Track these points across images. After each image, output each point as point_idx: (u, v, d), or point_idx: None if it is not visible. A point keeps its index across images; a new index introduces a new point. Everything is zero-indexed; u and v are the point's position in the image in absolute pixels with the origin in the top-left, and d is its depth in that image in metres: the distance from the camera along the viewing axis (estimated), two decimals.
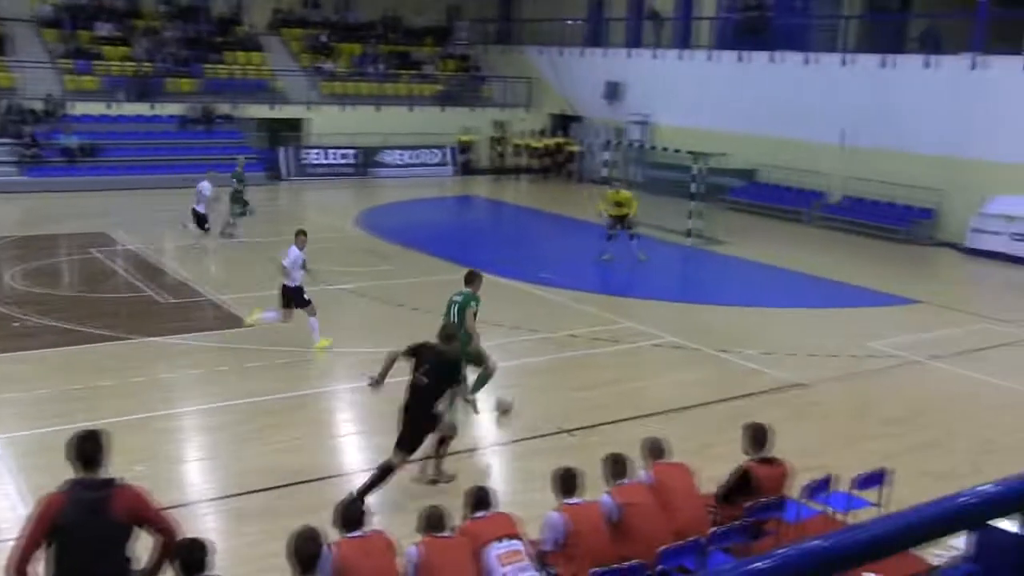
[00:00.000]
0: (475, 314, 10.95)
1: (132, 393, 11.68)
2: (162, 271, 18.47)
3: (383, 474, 8.83)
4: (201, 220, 20.83)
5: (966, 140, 23.87)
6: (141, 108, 30.97)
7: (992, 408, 12.39)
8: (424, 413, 8.89)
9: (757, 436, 7.68)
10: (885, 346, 14.87)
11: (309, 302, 13.78)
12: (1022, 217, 22.23)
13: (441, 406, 9.10)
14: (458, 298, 11.08)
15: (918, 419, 11.87)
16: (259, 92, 33.20)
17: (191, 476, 9.66)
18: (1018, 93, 22.92)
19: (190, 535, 5.67)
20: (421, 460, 9.46)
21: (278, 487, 9.22)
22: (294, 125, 33.30)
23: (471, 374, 10.60)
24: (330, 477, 9.57)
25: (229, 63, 33.98)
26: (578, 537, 6.63)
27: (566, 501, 6.81)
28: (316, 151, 32.76)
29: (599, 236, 21.32)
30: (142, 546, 5.49)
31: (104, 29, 33.48)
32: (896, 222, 25.14)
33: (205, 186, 21.00)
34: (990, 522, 1.95)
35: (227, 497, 9.07)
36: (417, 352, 8.99)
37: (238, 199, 22.08)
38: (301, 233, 14.00)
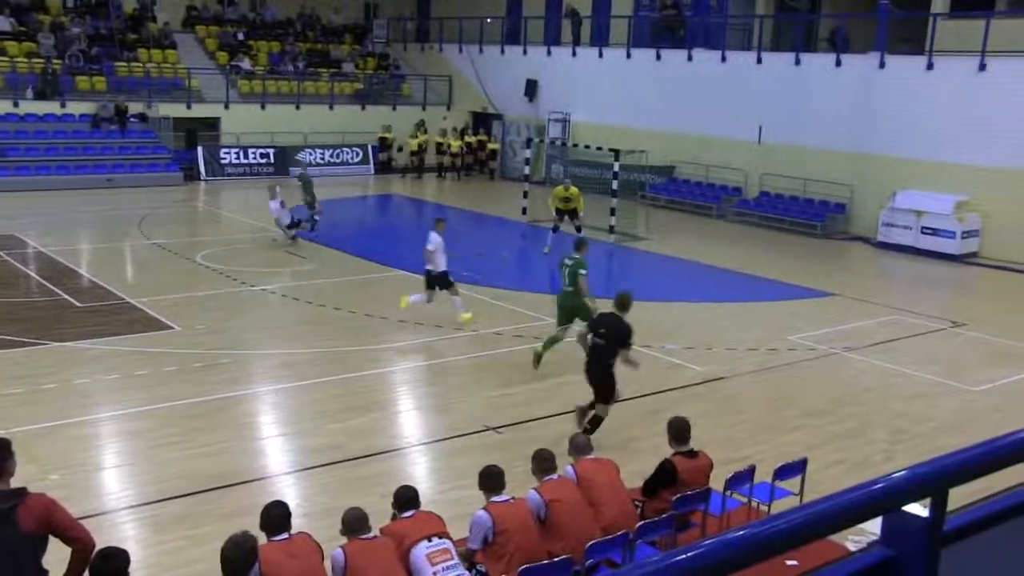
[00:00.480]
0: (585, 276, 12.65)
1: (45, 400, 11.33)
2: (76, 273, 17.97)
3: (594, 427, 10.27)
4: (291, 223, 21.31)
5: (874, 136, 24.60)
6: (51, 107, 30.04)
7: (904, 397, 12.79)
8: (602, 368, 10.33)
9: (678, 430, 7.80)
10: (802, 339, 15.24)
11: (453, 284, 15.03)
12: (929, 212, 23.00)
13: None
14: (569, 262, 12.79)
15: (835, 410, 12.18)
16: (174, 91, 32.49)
17: (108, 484, 9.42)
18: (921, 92, 23.70)
19: (106, 544, 5.53)
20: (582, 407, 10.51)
21: (199, 492, 9.05)
22: (211, 124, 32.67)
23: (578, 325, 12.40)
24: (253, 481, 9.43)
25: (142, 61, 33.17)
26: (506, 535, 6.65)
27: (493, 499, 6.82)
28: (234, 150, 32.18)
29: (521, 234, 21.43)
30: (58, 557, 5.34)
31: (6, 24, 32.36)
32: (810, 217, 25.77)
33: (274, 206, 21.24)
34: (903, 507, 2.02)
35: (146, 504, 8.87)
36: (597, 320, 10.63)
37: (307, 201, 22.28)
38: (441, 221, 14.97)
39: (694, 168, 29.20)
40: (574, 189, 21.52)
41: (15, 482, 5.43)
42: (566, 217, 21.31)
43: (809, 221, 25.58)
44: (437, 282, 14.94)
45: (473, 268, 19.14)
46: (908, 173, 23.79)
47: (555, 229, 21.26)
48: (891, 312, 17.34)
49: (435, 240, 14.68)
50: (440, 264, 14.79)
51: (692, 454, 7.73)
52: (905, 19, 26.34)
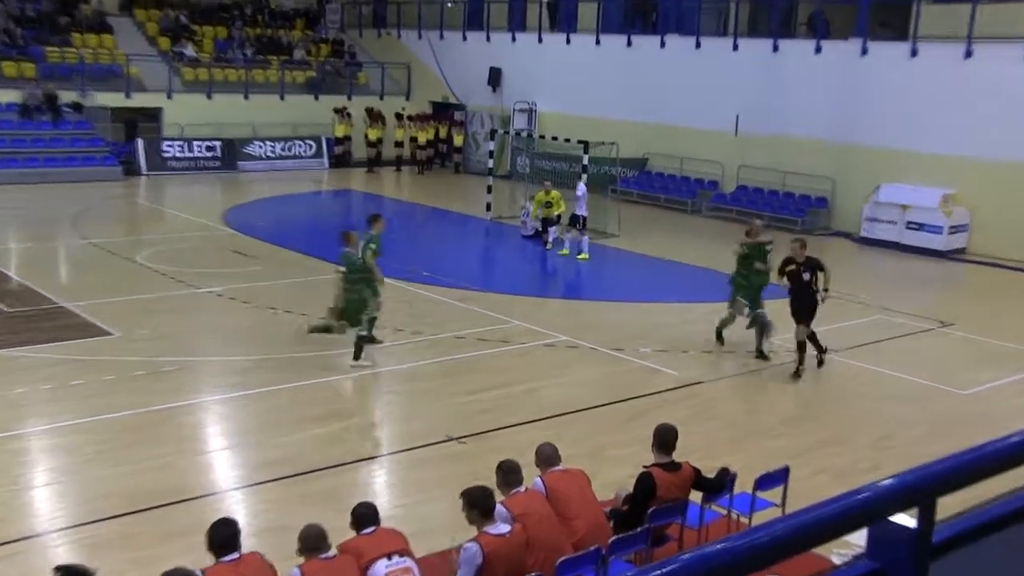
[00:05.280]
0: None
1: None
2: (4, 276, 17.71)
3: (802, 350, 13.33)
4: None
5: (857, 127, 24.86)
6: None
7: (890, 401, 12.92)
8: (808, 297, 13.34)
9: (663, 439, 7.78)
10: (782, 341, 15.33)
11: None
12: (914, 206, 23.25)
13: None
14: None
15: (818, 416, 12.29)
16: (111, 78, 32.09)
17: (39, 504, 9.28)
18: (906, 79, 23.98)
19: (40, 571, 5.44)
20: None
21: (139, 511, 8.94)
22: (152, 115, 32.31)
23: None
24: (199, 498, 9.33)
25: (75, 46, 32.74)
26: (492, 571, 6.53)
27: (486, 529, 6.65)
28: (178, 143, 31.85)
29: (485, 231, 21.39)
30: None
31: None
32: (791, 212, 25.98)
33: (581, 188, 21.45)
34: (889, 518, 2.02)
35: (81, 525, 8.74)
36: (789, 261, 13.51)
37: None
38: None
39: (667, 161, 29.35)
40: (556, 193, 21.76)
41: None
42: (550, 229, 21.63)
43: (789, 216, 25.79)
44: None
45: (436, 268, 19.10)
46: (892, 165, 24.06)
47: (546, 243, 21.66)
48: (875, 312, 17.52)
49: (581, 190, 15.59)
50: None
51: (674, 466, 7.72)
52: (887, 3, 26.63)
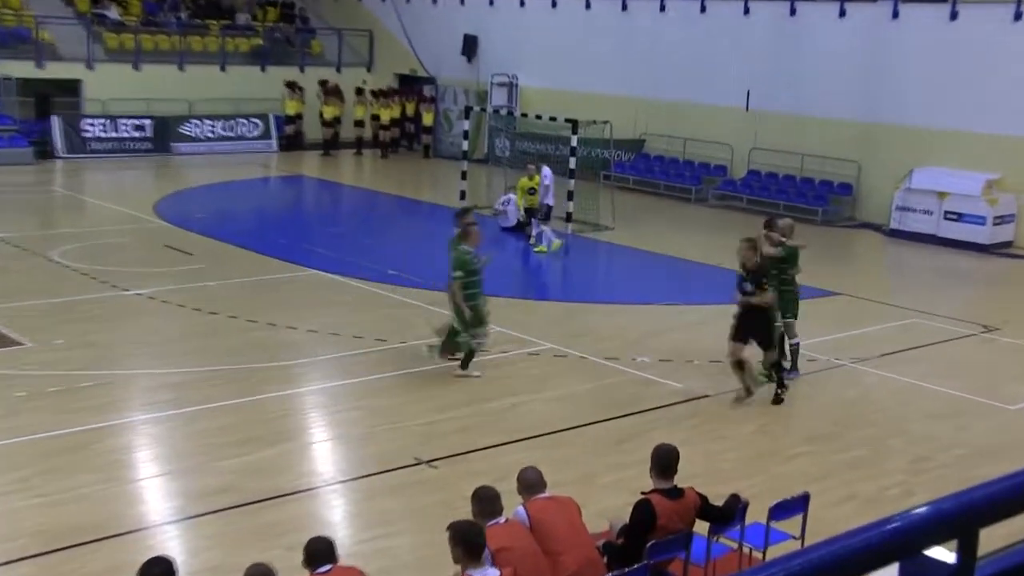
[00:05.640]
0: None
1: None
2: None
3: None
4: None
5: (887, 102, 24.91)
6: None
7: (926, 418, 12.96)
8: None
9: (663, 462, 7.77)
10: (801, 348, 15.37)
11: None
12: (953, 193, 23.31)
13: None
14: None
15: (843, 434, 12.31)
16: (19, 45, 31.84)
17: None
18: (944, 47, 24.07)
19: None
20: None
21: (56, 551, 8.85)
22: (70, 88, 32.15)
23: None
24: (126, 533, 9.26)
25: None
26: None
27: (470, 571, 6.59)
28: (100, 121, 31.70)
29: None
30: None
31: None
32: (810, 201, 26.08)
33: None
34: (924, 552, 2.02)
35: None
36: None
37: None
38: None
39: (668, 142, 29.42)
40: (538, 178, 21.77)
41: None
42: (534, 221, 21.70)
43: (808, 206, 25.90)
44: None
45: (403, 267, 19.07)
46: (928, 146, 24.14)
47: (530, 235, 21.58)
48: (908, 315, 17.59)
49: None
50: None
51: (676, 492, 7.71)
52: None
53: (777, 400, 13.01)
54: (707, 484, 8.53)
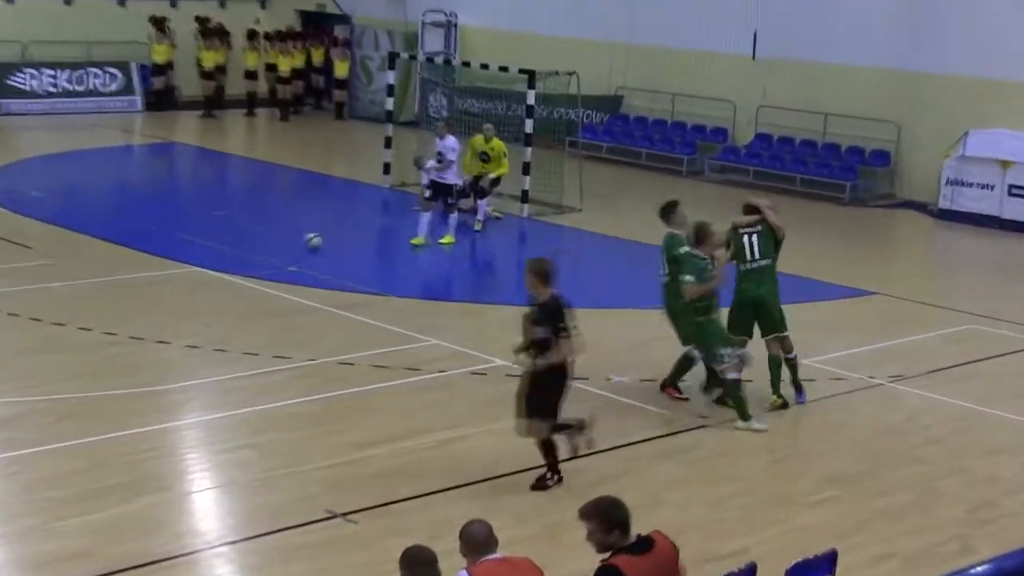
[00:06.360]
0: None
1: None
2: None
3: None
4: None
5: (929, 46, 24.96)
6: None
7: (988, 453, 13.04)
8: None
9: (609, 515, 7.69)
10: (824, 363, 15.44)
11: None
12: (1019, 161, 23.39)
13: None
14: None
15: (879, 473, 12.37)
16: None
17: None
18: None
19: None
20: None
21: None
22: None
23: None
24: None
25: None
26: None
27: None
28: None
29: (383, 204, 21.16)
30: None
31: None
32: (835, 173, 26.22)
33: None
34: None
35: None
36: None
37: None
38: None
39: (652, 99, 29.57)
40: (497, 142, 21.80)
41: None
42: (481, 184, 21.63)
43: (834, 179, 26.07)
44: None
45: (310, 262, 19.01)
46: (984, 102, 24.34)
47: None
48: (963, 320, 17.71)
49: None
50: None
51: (643, 544, 7.68)
52: None
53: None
54: (704, 540, 8.56)
